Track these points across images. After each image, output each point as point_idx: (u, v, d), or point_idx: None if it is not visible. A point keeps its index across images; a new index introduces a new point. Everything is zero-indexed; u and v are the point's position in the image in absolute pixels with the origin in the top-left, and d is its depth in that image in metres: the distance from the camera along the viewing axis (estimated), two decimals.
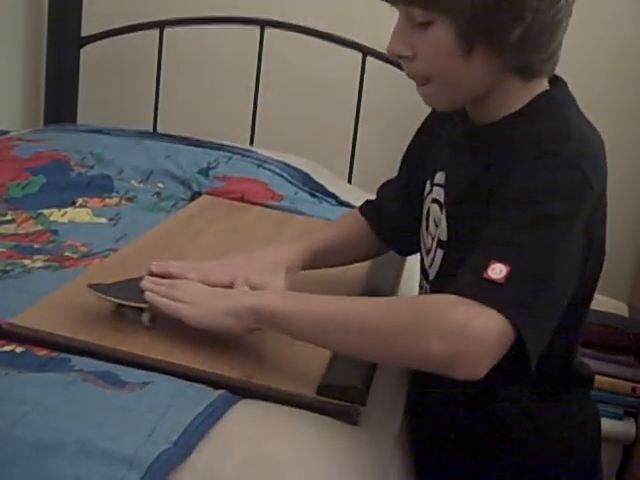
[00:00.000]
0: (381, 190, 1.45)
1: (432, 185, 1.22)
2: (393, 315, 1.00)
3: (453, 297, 0.95)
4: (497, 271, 0.95)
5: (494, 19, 1.02)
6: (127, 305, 1.16)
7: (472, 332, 0.93)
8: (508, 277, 0.95)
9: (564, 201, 0.99)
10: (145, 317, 1.15)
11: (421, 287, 1.28)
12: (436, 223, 1.19)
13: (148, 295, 1.13)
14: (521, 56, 1.06)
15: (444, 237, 1.15)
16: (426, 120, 1.35)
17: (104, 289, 1.17)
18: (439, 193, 1.19)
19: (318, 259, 1.35)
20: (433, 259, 1.19)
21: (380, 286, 1.46)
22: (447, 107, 1.16)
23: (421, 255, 1.27)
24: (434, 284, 1.19)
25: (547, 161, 1.01)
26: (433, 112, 1.32)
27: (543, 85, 1.12)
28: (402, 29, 1.08)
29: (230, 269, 1.24)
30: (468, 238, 1.05)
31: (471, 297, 0.94)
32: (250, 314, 1.06)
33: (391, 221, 1.38)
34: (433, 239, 1.19)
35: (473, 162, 1.13)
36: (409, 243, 1.34)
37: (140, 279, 1.18)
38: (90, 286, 1.16)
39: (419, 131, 1.37)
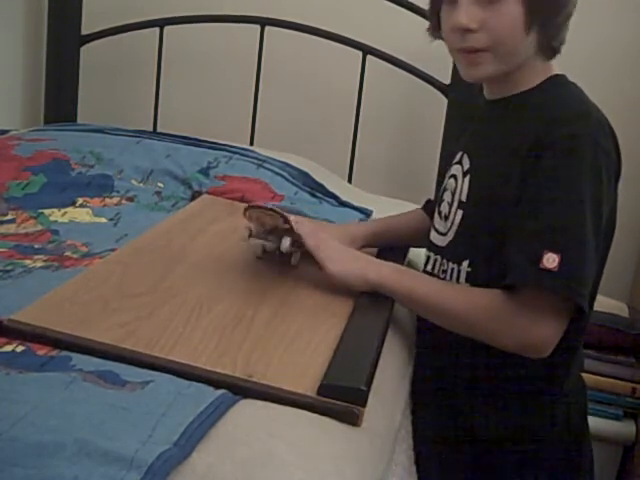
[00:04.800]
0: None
1: (451, 166, 1.40)
2: (475, 310, 1.23)
3: (517, 295, 1.18)
4: (551, 260, 1.15)
5: (552, 2, 1.24)
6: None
7: (536, 335, 1.19)
8: (561, 265, 1.14)
9: (594, 182, 1.18)
10: (296, 257, 1.40)
11: (426, 262, 1.44)
12: (452, 192, 1.36)
13: (299, 227, 1.36)
14: (556, 37, 1.27)
15: (464, 198, 1.33)
16: (451, 116, 1.64)
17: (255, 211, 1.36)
18: (457, 169, 1.37)
19: (378, 239, 1.59)
20: (452, 221, 1.35)
21: None
22: (489, 75, 1.29)
23: (429, 231, 1.44)
24: (451, 246, 1.35)
25: (576, 144, 1.18)
26: (451, 109, 1.61)
27: (553, 69, 1.31)
28: (469, 6, 1.24)
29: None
30: (485, 198, 1.28)
31: (534, 287, 1.17)
32: (369, 284, 1.32)
33: None
34: (451, 206, 1.36)
35: (499, 130, 1.31)
36: None
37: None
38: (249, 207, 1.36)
39: (448, 126, 1.65)
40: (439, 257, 1.38)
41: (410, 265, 1.62)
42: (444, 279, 1.36)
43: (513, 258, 1.19)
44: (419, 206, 1.65)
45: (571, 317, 1.21)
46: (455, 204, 1.35)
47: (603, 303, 2.20)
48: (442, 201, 1.40)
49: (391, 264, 1.37)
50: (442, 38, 1.34)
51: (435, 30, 1.36)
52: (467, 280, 1.31)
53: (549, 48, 1.28)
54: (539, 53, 1.28)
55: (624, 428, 2.19)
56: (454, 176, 1.38)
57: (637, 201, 2.37)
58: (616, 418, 2.19)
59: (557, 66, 1.32)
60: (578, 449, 1.39)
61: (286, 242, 1.36)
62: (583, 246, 1.17)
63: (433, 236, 1.41)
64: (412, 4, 2.23)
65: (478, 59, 1.27)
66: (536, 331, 1.19)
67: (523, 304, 1.18)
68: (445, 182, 1.41)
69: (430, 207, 1.56)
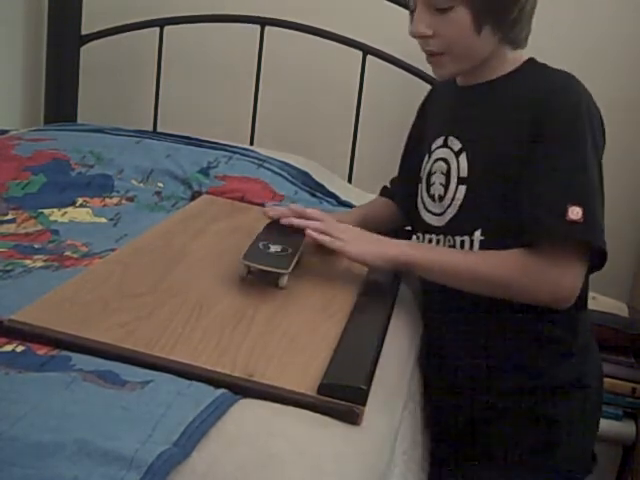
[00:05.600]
0: (394, 181, 1.76)
1: (431, 152, 1.48)
2: (506, 271, 1.29)
3: (544, 249, 1.27)
4: (575, 212, 1.24)
5: (500, 3, 1.33)
6: (269, 270, 1.33)
7: (566, 284, 1.28)
8: (584, 216, 1.24)
9: (594, 142, 1.28)
10: (282, 281, 1.34)
11: (418, 240, 1.50)
12: (444, 173, 1.43)
13: (311, 233, 1.40)
14: (515, 31, 1.36)
15: (464, 174, 1.39)
16: (421, 110, 1.66)
17: (250, 259, 1.34)
18: (444, 152, 1.44)
19: (367, 223, 1.61)
20: (452, 198, 1.41)
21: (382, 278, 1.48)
22: (454, 73, 1.42)
23: (419, 217, 1.50)
24: (455, 221, 1.41)
25: (576, 109, 1.28)
26: (424, 102, 1.66)
27: (524, 56, 1.40)
28: (423, 14, 1.35)
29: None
30: (491, 170, 1.35)
31: (562, 239, 1.26)
32: (392, 262, 1.38)
33: (407, 199, 1.61)
34: (446, 185, 1.42)
35: (486, 109, 1.40)
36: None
37: (259, 240, 1.41)
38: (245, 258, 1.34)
39: (417, 120, 1.66)
40: (441, 236, 1.44)
41: (408, 280, 1.62)
42: None
43: (536, 214, 1.27)
44: None
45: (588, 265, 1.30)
46: (453, 182, 1.41)
47: (603, 303, 2.20)
48: (432, 184, 1.46)
49: (405, 241, 1.44)
50: None
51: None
52: (481, 248, 1.37)
53: (511, 41, 1.38)
54: (503, 45, 1.37)
55: (624, 428, 2.19)
56: (442, 159, 1.44)
57: (637, 201, 2.37)
58: (616, 418, 2.19)
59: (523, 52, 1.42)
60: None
61: (283, 280, 1.35)
62: (596, 198, 1.27)
63: (428, 218, 1.47)
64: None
65: (439, 62, 1.38)
66: (566, 281, 1.28)
67: (552, 257, 1.27)
68: (428, 167, 1.48)
69: (391, 191, 1.73)
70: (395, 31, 2.35)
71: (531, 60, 1.41)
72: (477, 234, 1.37)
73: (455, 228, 1.41)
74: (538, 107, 1.30)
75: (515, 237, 1.30)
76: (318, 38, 2.32)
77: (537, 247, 1.28)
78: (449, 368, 1.45)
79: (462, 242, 1.39)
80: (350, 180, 2.39)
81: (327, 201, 1.94)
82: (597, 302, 2.18)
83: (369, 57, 2.32)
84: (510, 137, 1.34)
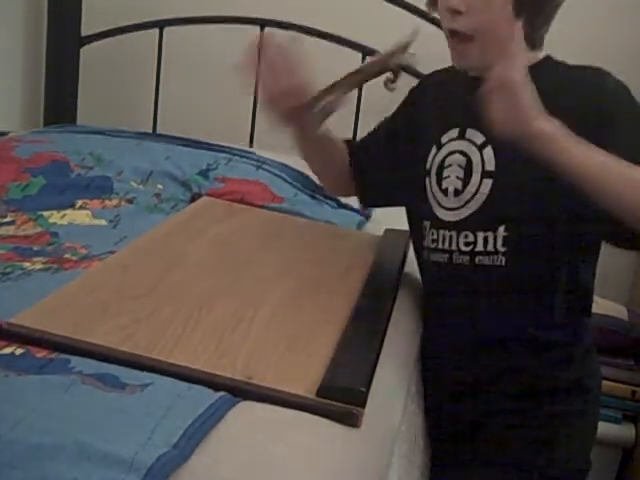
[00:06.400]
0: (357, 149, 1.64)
1: (441, 145, 1.42)
2: None
3: None
4: None
5: None
6: None
7: None
8: None
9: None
10: None
11: (434, 240, 1.42)
12: (462, 166, 1.38)
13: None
14: (542, 30, 1.32)
15: (491, 167, 1.34)
16: (410, 98, 1.59)
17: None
18: (463, 145, 1.38)
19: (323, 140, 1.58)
20: (475, 193, 1.36)
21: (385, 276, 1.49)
22: (476, 66, 1.33)
23: (430, 210, 1.43)
24: (475, 216, 1.36)
25: (623, 89, 1.28)
26: (414, 91, 1.59)
27: (539, 54, 1.36)
28: None
29: None
30: (516, 163, 1.29)
31: None
32: (544, 131, 1.18)
33: (371, 179, 1.59)
34: (466, 179, 1.37)
35: None
36: (375, 198, 1.65)
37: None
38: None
39: (404, 108, 1.59)
40: (454, 232, 1.39)
41: (408, 280, 1.62)
42: (473, 250, 1.37)
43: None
44: None
45: None
46: (477, 175, 1.36)
47: (602, 306, 2.19)
48: (444, 177, 1.41)
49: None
50: (437, 13, 1.37)
51: (432, 5, 1.39)
52: (504, 244, 1.34)
53: (533, 40, 1.33)
54: (527, 42, 1.32)
55: (624, 431, 2.19)
56: (459, 152, 1.39)
57: None
58: (615, 421, 2.19)
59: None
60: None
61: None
62: None
63: (441, 214, 1.41)
64: (411, 5, 2.23)
65: (465, 50, 1.32)
66: None
67: None
68: (438, 160, 1.42)
69: (352, 150, 1.62)
70: (395, 33, 2.36)
71: (549, 57, 1.37)
72: (501, 230, 1.34)
73: (476, 223, 1.37)
74: (580, 100, 1.27)
75: (538, 234, 1.30)
76: (317, 39, 2.32)
77: None
78: (448, 371, 1.45)
79: (485, 238, 1.35)
80: None
81: (327, 203, 1.94)
82: (597, 305, 2.16)
83: (368, 58, 2.32)
84: None
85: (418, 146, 1.48)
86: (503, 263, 1.35)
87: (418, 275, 1.55)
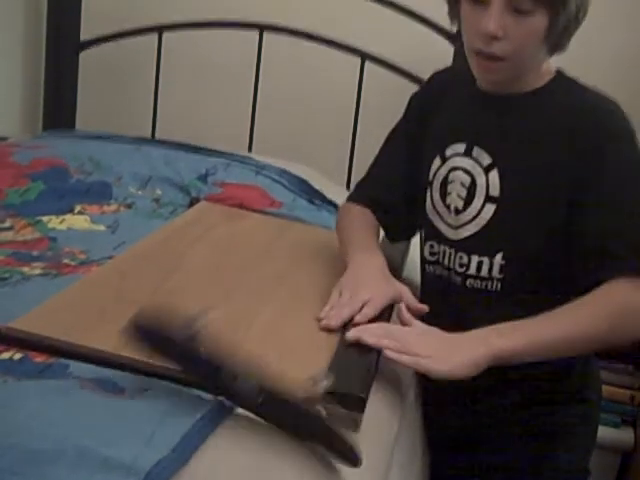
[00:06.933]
0: (380, 183, 1.54)
1: (446, 158, 1.38)
2: (601, 323, 1.19)
3: (626, 285, 1.19)
4: None
5: (573, 17, 1.24)
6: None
7: None
8: None
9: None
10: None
11: (434, 253, 1.42)
12: (465, 185, 1.35)
13: (390, 354, 1.16)
14: (564, 47, 1.29)
15: (496, 193, 1.32)
16: (416, 101, 1.53)
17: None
18: (467, 163, 1.35)
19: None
20: (477, 216, 1.34)
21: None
22: (503, 81, 1.32)
23: (430, 224, 1.41)
24: (475, 239, 1.34)
25: (628, 132, 1.27)
26: (418, 94, 1.54)
27: (551, 65, 1.35)
28: (500, 13, 1.22)
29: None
30: (523, 192, 1.30)
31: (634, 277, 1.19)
32: (486, 360, 1.16)
33: (396, 215, 1.50)
34: (468, 200, 1.35)
35: (524, 128, 1.32)
36: (406, 230, 1.55)
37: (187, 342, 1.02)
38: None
39: (411, 114, 1.52)
40: (452, 250, 1.37)
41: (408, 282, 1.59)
42: (465, 272, 1.36)
43: (613, 249, 1.21)
44: None
45: None
46: (480, 199, 1.34)
47: None
48: (447, 194, 1.38)
49: (487, 328, 1.20)
50: (459, 22, 1.33)
51: (454, 17, 1.35)
52: (500, 272, 1.32)
53: (554, 53, 1.31)
54: (546, 57, 1.31)
55: (622, 435, 2.20)
56: (464, 170, 1.36)
57: None
58: (614, 425, 2.19)
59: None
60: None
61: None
62: None
63: (444, 229, 1.40)
64: (410, 11, 2.24)
65: (496, 67, 1.28)
66: None
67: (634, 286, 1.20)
68: (443, 173, 1.39)
69: (368, 198, 1.52)
70: (393, 38, 2.37)
71: (560, 73, 1.35)
72: (498, 257, 1.32)
73: (474, 246, 1.35)
74: (583, 131, 1.26)
75: (534, 266, 1.28)
76: (316, 44, 2.33)
77: (628, 279, 1.20)
78: (446, 381, 1.42)
79: (480, 263, 1.34)
80: (348, 187, 2.39)
81: (325, 208, 1.94)
82: None
83: (368, 63, 2.32)
84: (549, 160, 1.29)
85: (426, 150, 1.44)
86: (498, 288, 1.33)
87: (417, 282, 1.54)
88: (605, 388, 2.12)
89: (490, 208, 1.33)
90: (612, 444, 2.18)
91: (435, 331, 1.21)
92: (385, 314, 1.28)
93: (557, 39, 1.27)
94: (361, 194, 1.55)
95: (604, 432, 2.12)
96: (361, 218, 1.50)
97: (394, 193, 1.49)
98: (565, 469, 1.39)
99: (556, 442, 1.38)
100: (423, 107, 1.49)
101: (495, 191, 1.32)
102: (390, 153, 1.54)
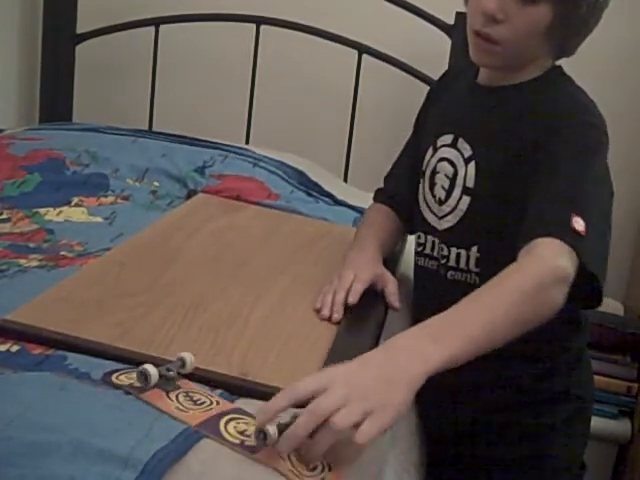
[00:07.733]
0: (393, 178, 1.58)
1: (435, 148, 1.38)
2: (537, 287, 1.08)
3: (548, 241, 1.11)
4: (580, 223, 1.13)
5: (582, 20, 1.23)
6: None
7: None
8: (587, 230, 1.13)
9: (602, 156, 1.23)
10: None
11: (421, 244, 1.42)
12: (448, 176, 1.34)
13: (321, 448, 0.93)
14: (571, 52, 1.30)
15: (471, 184, 1.31)
16: (426, 96, 1.53)
17: None
18: (451, 153, 1.35)
19: (384, 251, 1.47)
20: (455, 207, 1.33)
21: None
22: (496, 67, 1.31)
23: (420, 213, 1.41)
24: (454, 231, 1.34)
25: (584, 126, 1.23)
26: (430, 87, 1.55)
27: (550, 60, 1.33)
28: None
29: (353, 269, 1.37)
30: (499, 186, 1.27)
31: (564, 242, 1.11)
32: (424, 378, 0.99)
33: (408, 206, 1.49)
34: (449, 191, 1.34)
35: (499, 119, 1.30)
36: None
37: None
38: None
39: (422, 106, 1.53)
40: (436, 240, 1.37)
41: (403, 280, 1.59)
42: (446, 264, 1.35)
43: (540, 217, 1.16)
44: None
45: None
46: (458, 190, 1.33)
47: None
48: (434, 184, 1.37)
49: (418, 333, 1.05)
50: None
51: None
52: (477, 265, 1.31)
53: (558, 56, 1.31)
54: (549, 56, 1.31)
55: (619, 427, 2.20)
56: (448, 160, 1.35)
57: (632, 201, 2.37)
58: (611, 417, 2.19)
59: None
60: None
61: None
62: (604, 214, 1.22)
63: (430, 218, 1.39)
64: (408, 3, 2.23)
65: (490, 49, 1.26)
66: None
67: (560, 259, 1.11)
68: (433, 163, 1.38)
69: (388, 194, 1.55)
70: (391, 30, 2.37)
71: (555, 68, 1.33)
72: (474, 250, 1.31)
73: (452, 238, 1.34)
74: (549, 126, 1.23)
75: (510, 260, 1.14)
76: (314, 37, 2.32)
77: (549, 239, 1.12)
78: (432, 382, 1.34)
79: (458, 255, 1.33)
80: (346, 179, 2.39)
81: (323, 200, 1.94)
82: None
83: (366, 56, 2.32)
84: (522, 154, 1.25)
85: (423, 141, 1.45)
86: (477, 282, 1.30)
87: (412, 278, 1.54)
88: (602, 379, 2.14)
89: (466, 200, 1.32)
90: (609, 435, 2.18)
91: (358, 372, 0.97)
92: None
93: (561, 39, 1.26)
94: (378, 191, 1.60)
95: (601, 423, 2.13)
96: (371, 217, 1.55)
97: (403, 185, 1.52)
98: (558, 467, 1.38)
99: (547, 441, 1.36)
100: (428, 98, 1.53)
101: (470, 182, 1.31)
102: (404, 146, 1.58)
